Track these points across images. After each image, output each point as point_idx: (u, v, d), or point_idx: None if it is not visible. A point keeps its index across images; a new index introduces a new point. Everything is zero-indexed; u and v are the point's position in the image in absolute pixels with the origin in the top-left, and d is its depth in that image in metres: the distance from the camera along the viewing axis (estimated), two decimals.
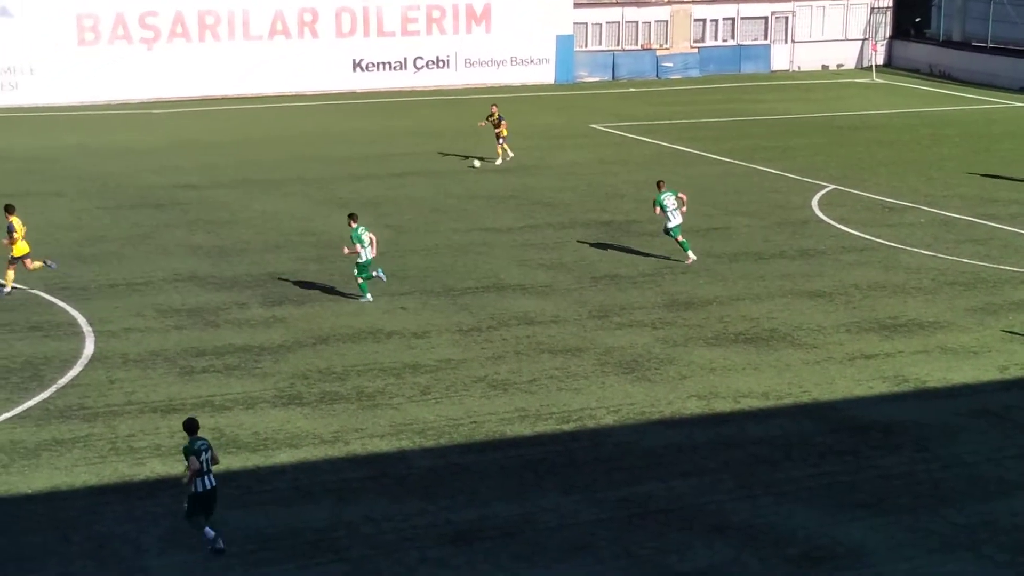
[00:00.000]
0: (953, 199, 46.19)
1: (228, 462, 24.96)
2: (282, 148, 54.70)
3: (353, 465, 25.00)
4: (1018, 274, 37.32)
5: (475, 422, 27.00)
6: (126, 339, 31.53)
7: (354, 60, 69.14)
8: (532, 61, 72.04)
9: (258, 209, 43.91)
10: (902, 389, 29.05)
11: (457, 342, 31.65)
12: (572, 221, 42.89)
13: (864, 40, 79.19)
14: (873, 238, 40.99)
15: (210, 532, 21.71)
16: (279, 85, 67.62)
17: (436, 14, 70.16)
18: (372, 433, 26.40)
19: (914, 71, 77.28)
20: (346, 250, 34.63)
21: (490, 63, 71.28)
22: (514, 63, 71.70)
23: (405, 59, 70.04)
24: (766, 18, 77.64)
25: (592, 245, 40.02)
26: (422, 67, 70.38)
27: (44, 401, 27.72)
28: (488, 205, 44.86)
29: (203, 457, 21.69)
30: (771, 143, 56.21)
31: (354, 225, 34.33)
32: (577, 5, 72.93)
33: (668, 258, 38.54)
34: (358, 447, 25.79)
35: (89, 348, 30.91)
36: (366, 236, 34.19)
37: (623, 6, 74.92)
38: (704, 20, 76.52)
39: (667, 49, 75.81)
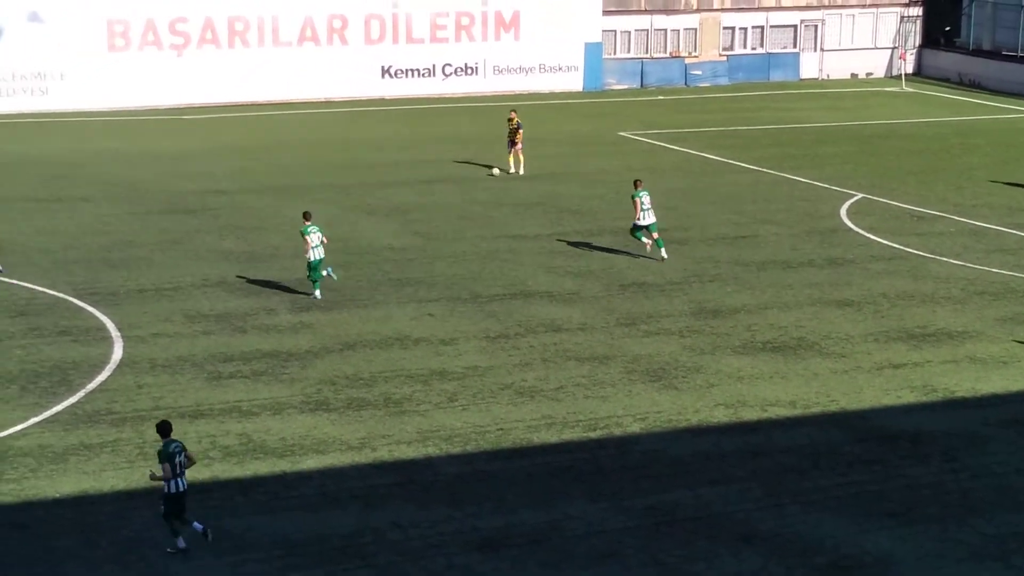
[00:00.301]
0: (982, 208, 46.02)
1: (255, 468, 25.03)
2: (311, 154, 54.80)
3: (380, 471, 25.02)
4: None
5: (502, 429, 26.99)
6: (154, 344, 31.61)
7: (383, 67, 69.23)
8: (560, 68, 72.02)
9: (287, 215, 43.96)
10: (931, 399, 28.93)
11: (484, 349, 31.65)
12: (600, 228, 42.85)
13: (894, 49, 78.97)
14: (902, 247, 40.87)
15: (198, 526, 21.89)
16: (308, 91, 67.73)
17: (465, 21, 70.22)
18: (399, 439, 26.41)
19: (944, 80, 77.03)
20: (307, 250, 35.04)
21: (518, 70, 71.29)
22: (542, 70, 71.69)
23: (434, 66, 70.11)
24: (795, 26, 77.50)
25: (619, 253, 39.98)
26: (450, 74, 70.44)
27: (72, 406, 27.81)
28: (515, 212, 44.85)
29: (177, 460, 21.85)
30: (800, 151, 56.08)
31: (307, 223, 35.08)
32: (606, 13, 72.91)
33: (693, 267, 38.52)
34: (385, 453, 25.80)
35: (118, 353, 31.00)
36: (316, 236, 34.83)
37: (652, 14, 74.86)
38: (733, 28, 76.42)
39: (696, 57, 75.73)
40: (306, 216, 35.47)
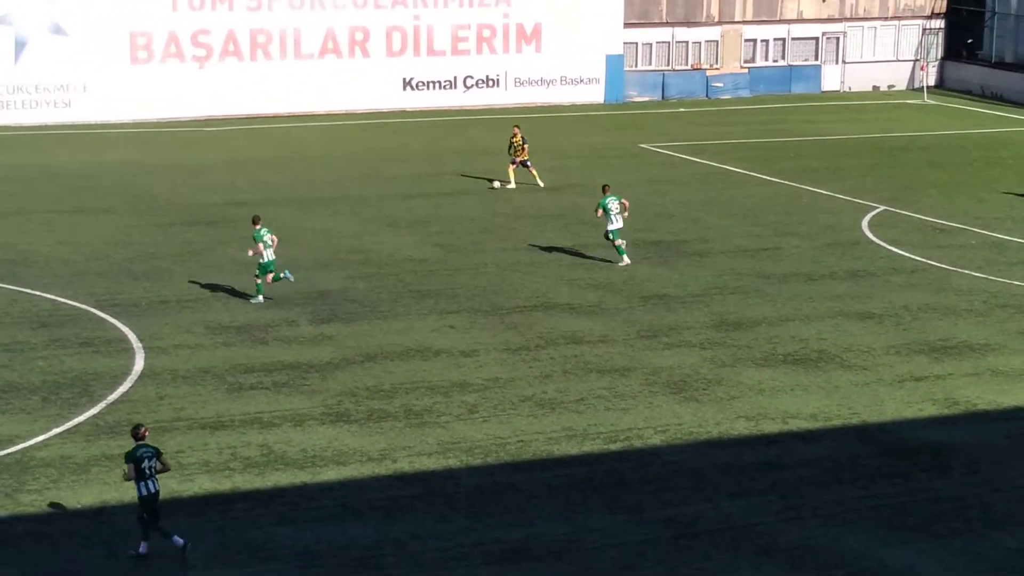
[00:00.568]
0: (1005, 221, 45.88)
1: (276, 479, 25.07)
2: (332, 166, 54.89)
3: (400, 483, 25.03)
4: None
5: (522, 441, 26.99)
6: (176, 355, 31.68)
7: (404, 79, 69.28)
8: (582, 81, 71.99)
9: (308, 227, 44.05)
10: (952, 412, 28.86)
11: (505, 361, 31.66)
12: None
13: (916, 61, 78.82)
14: (924, 260, 40.77)
15: (178, 539, 22.08)
16: (330, 103, 67.82)
17: (486, 33, 70.28)
18: (419, 451, 26.42)
19: (966, 92, 76.82)
20: (251, 252, 35.75)
21: (540, 82, 71.29)
22: (564, 82, 71.66)
23: (455, 78, 70.15)
24: (817, 38, 77.38)
25: (640, 264, 39.96)
26: (472, 86, 70.48)
27: (94, 417, 27.88)
28: (536, 224, 44.85)
29: (145, 464, 22.06)
30: (821, 163, 55.99)
31: (257, 227, 35.73)
32: (627, 25, 72.89)
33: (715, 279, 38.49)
34: (405, 465, 25.82)
35: (139, 364, 31.07)
36: (268, 237, 35.54)
37: (673, 26, 74.84)
38: (755, 40, 76.33)
39: (717, 69, 75.67)
40: (255, 220, 36.25)
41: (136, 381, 29.99)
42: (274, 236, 35.85)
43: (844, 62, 78.01)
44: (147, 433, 22.55)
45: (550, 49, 71.04)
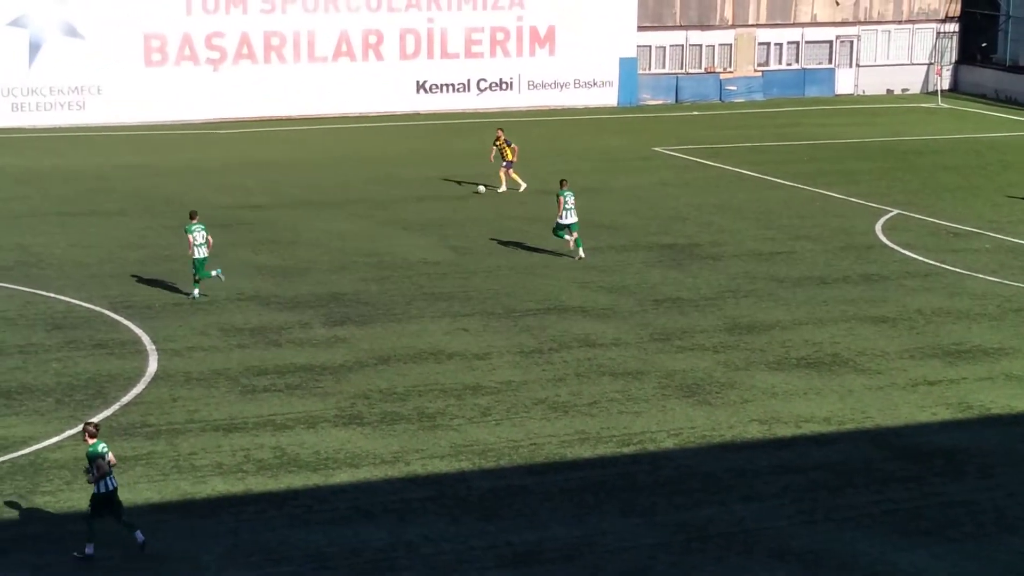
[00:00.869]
0: (1019, 225, 45.80)
1: (289, 481, 25.09)
2: (346, 169, 54.95)
3: (413, 485, 25.04)
4: None
5: (535, 444, 26.99)
6: (189, 357, 31.73)
7: (418, 82, 69.37)
8: (595, 84, 72.04)
9: (322, 229, 44.11)
10: (966, 416, 28.81)
11: (518, 364, 31.66)
12: (634, 244, 42.83)
13: (930, 65, 78.74)
14: (938, 264, 40.72)
15: (140, 536, 22.21)
16: (343, 106, 67.93)
17: (500, 36, 70.33)
18: (432, 454, 26.43)
19: (980, 96, 76.74)
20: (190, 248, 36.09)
21: (553, 85, 71.34)
22: (577, 86, 71.72)
23: (468, 81, 70.23)
24: (831, 42, 77.33)
25: (654, 268, 39.96)
26: (485, 89, 70.55)
27: (107, 418, 27.92)
28: (549, 227, 44.77)
29: (104, 461, 22.19)
30: (835, 167, 55.94)
31: (193, 221, 36.47)
32: (641, 28, 72.90)
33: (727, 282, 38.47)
34: (418, 467, 25.83)
35: (152, 366, 31.12)
36: (200, 235, 35.92)
37: (687, 29, 74.84)
38: (768, 44, 76.30)
39: (731, 72, 75.65)
40: (192, 215, 36.74)
41: (150, 383, 30.04)
42: (209, 236, 36.31)
43: (858, 65, 77.95)
44: (98, 430, 22.67)
45: (563, 52, 71.09)
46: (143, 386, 29.83)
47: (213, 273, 36.05)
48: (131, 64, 64.48)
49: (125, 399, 29.04)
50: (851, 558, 22.35)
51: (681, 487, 25.13)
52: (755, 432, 27.77)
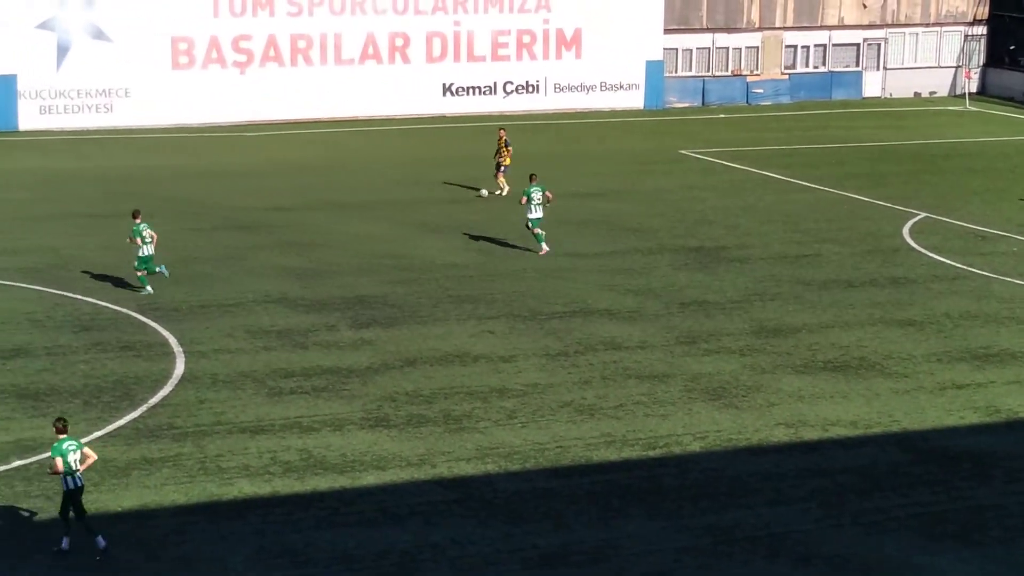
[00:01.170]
0: None
1: (315, 483, 25.13)
2: (372, 171, 55.01)
3: (439, 488, 25.06)
4: None
5: (561, 447, 26.98)
6: (216, 360, 31.81)
7: (444, 84, 69.39)
8: (622, 86, 71.95)
9: (348, 232, 44.17)
10: (994, 420, 28.71)
11: (544, 367, 31.65)
12: (660, 247, 42.79)
13: (957, 67, 78.48)
14: (965, 267, 40.58)
15: (101, 541, 22.25)
16: (370, 109, 67.99)
17: (526, 39, 70.32)
18: (458, 456, 26.44)
19: (1008, 99, 76.42)
20: (128, 240, 36.79)
21: (580, 88, 71.28)
22: (604, 88, 71.64)
23: (495, 84, 70.22)
24: (858, 45, 77.13)
25: (680, 271, 39.91)
26: (512, 92, 70.53)
27: (135, 420, 28.01)
28: (576, 230, 44.82)
29: (70, 458, 22.25)
30: (862, 170, 55.80)
31: (137, 221, 37.18)
32: (667, 31, 72.80)
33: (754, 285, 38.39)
34: (444, 470, 25.84)
35: (179, 368, 31.21)
36: (147, 233, 36.75)
37: (714, 32, 74.71)
38: (795, 46, 76.11)
39: (757, 75, 75.51)
40: (135, 215, 37.44)
41: (177, 385, 30.12)
42: (154, 233, 37.01)
43: (885, 68, 77.72)
44: (66, 426, 22.78)
45: (590, 55, 71.01)
46: (170, 388, 29.91)
47: (157, 270, 36.96)
48: (158, 67, 64.64)
49: (152, 401, 29.12)
50: (877, 562, 22.29)
51: (707, 490, 25.09)
52: (781, 435, 27.72)
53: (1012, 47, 78.56)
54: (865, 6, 76.61)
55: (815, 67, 76.70)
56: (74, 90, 63.72)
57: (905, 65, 78.15)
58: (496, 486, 25.17)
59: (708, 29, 74.61)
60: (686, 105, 73.47)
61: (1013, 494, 24.96)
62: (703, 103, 74.10)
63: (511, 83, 70.40)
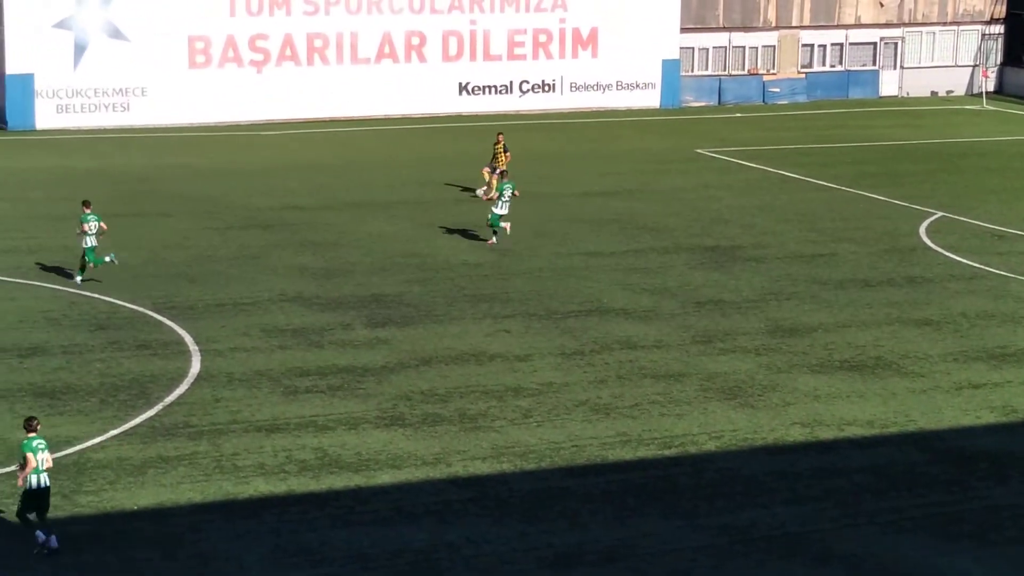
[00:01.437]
0: None
1: (331, 482, 25.14)
2: (388, 170, 55.03)
3: (454, 487, 25.06)
4: None
5: (576, 446, 26.97)
6: (232, 358, 31.84)
7: (460, 83, 69.41)
8: (638, 85, 71.91)
9: (364, 231, 44.20)
10: (1011, 419, 28.64)
11: (559, 366, 31.64)
12: (676, 246, 42.75)
13: (975, 66, 78.31)
14: (982, 266, 40.49)
15: (41, 535, 22.14)
16: (386, 108, 68.02)
17: (543, 38, 70.30)
18: (474, 455, 26.45)
19: None
20: (77, 231, 37.40)
21: (596, 87, 71.25)
22: (620, 87, 71.60)
23: (511, 83, 70.21)
24: (875, 44, 76.99)
25: (696, 270, 39.88)
26: (528, 91, 70.52)
27: (151, 419, 28.06)
28: (591, 229, 44.82)
29: (39, 456, 22.26)
30: (879, 169, 55.71)
31: (86, 211, 37.55)
32: (684, 30, 72.74)
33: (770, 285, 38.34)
34: (459, 469, 25.84)
35: (195, 367, 31.25)
36: (94, 224, 37.37)
37: (730, 31, 74.64)
38: (812, 45, 76.00)
39: (774, 74, 75.40)
40: (85, 204, 37.87)
41: (192, 384, 30.16)
42: (103, 224, 37.49)
43: (902, 67, 77.57)
44: (39, 426, 22.72)
45: (606, 54, 70.97)
46: (186, 387, 29.95)
47: (107, 258, 37.27)
48: (175, 66, 64.73)
49: (168, 399, 29.16)
50: (893, 562, 22.24)
51: (723, 490, 25.07)
52: (797, 435, 27.67)
53: None
54: (882, 5, 76.48)
55: (832, 66, 76.59)
56: (91, 89, 63.82)
57: (922, 64, 77.99)
58: (511, 485, 25.17)
59: (724, 28, 74.54)
60: (702, 104, 73.41)
61: None
62: (719, 102, 74.04)
63: (527, 82, 70.39)
